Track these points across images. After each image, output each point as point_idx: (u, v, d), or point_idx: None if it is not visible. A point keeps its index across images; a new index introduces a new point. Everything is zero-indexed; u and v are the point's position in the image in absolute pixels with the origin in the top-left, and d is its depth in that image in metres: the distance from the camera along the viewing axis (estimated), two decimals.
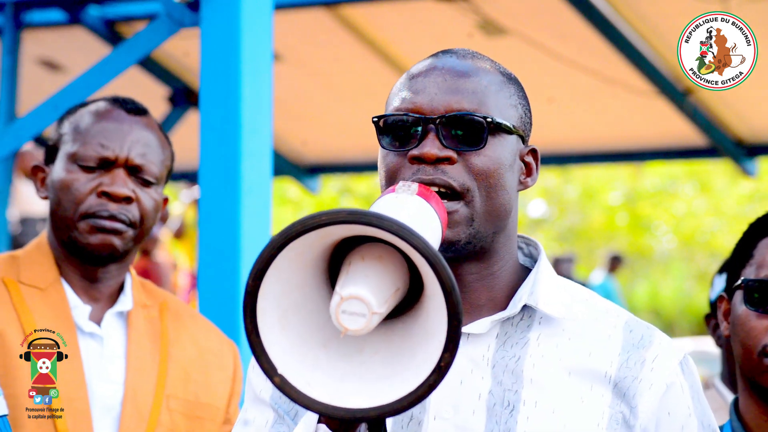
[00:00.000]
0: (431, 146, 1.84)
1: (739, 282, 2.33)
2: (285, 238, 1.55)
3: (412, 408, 1.58)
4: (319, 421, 1.69)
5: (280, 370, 1.58)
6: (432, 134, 1.85)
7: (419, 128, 1.85)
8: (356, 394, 1.59)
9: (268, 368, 1.58)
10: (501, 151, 1.88)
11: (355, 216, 1.53)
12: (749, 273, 2.33)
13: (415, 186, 1.77)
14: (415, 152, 1.84)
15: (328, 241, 1.61)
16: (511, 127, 1.88)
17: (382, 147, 1.89)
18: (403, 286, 1.64)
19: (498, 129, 1.87)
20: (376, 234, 1.55)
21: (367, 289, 1.56)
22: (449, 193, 1.84)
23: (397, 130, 1.87)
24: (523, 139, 1.93)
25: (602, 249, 18.95)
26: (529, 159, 1.95)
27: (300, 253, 1.58)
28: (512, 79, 1.94)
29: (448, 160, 1.84)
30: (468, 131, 1.85)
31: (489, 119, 1.85)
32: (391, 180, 1.87)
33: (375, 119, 1.90)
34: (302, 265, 1.61)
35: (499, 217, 1.88)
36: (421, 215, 1.71)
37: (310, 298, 1.65)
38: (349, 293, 1.55)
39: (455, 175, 1.84)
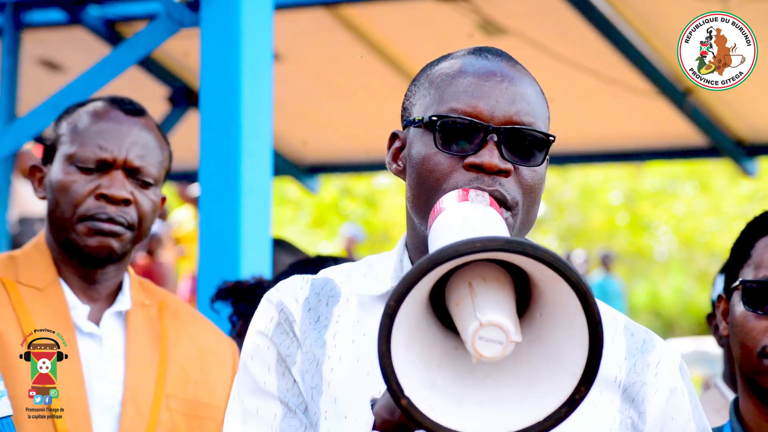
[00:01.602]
0: (492, 156, 1.81)
1: (738, 282, 2.33)
2: (434, 263, 1.52)
3: None
4: (374, 428, 1.66)
5: (406, 392, 1.55)
6: (491, 143, 1.82)
7: (479, 135, 1.83)
8: (476, 419, 1.56)
9: (396, 390, 1.55)
10: (545, 166, 1.89)
11: (513, 245, 1.51)
12: (747, 273, 2.33)
13: (487, 196, 1.76)
14: (475, 160, 1.81)
15: (455, 265, 1.58)
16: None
17: (434, 145, 1.85)
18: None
19: (549, 145, 1.87)
20: (523, 262, 1.53)
21: (505, 316, 1.53)
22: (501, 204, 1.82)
23: (453, 132, 1.84)
24: None
25: (599, 248, 18.96)
26: None
27: (432, 277, 1.55)
28: (540, 87, 1.95)
29: (506, 173, 1.82)
30: (528, 146, 1.85)
31: (551, 137, 1.86)
32: (437, 181, 1.83)
33: (434, 117, 1.85)
34: (427, 288, 1.58)
35: (528, 229, 1.88)
36: (506, 231, 1.70)
37: (425, 318, 1.62)
38: (489, 320, 1.52)
39: (509, 188, 1.82)
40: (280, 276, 3.31)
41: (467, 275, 1.58)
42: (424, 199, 1.85)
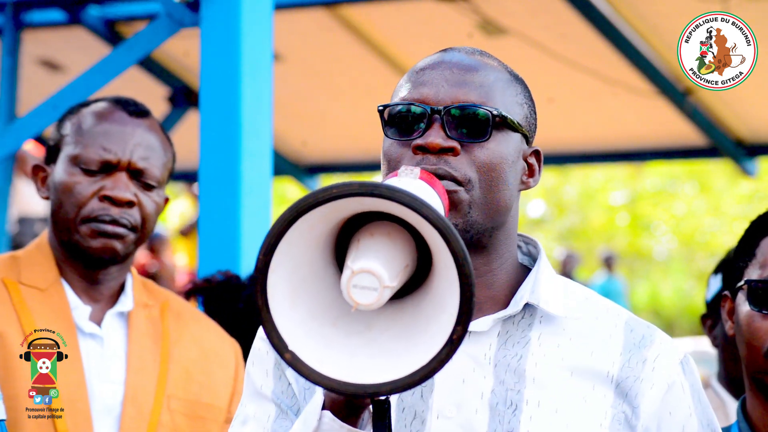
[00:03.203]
0: (435, 136, 1.83)
1: (742, 282, 2.31)
2: (296, 212, 1.55)
3: (423, 383, 1.57)
4: (323, 408, 1.69)
5: (291, 347, 1.57)
6: (437, 124, 1.84)
7: (424, 118, 1.85)
8: (368, 371, 1.58)
9: (278, 344, 1.57)
10: (505, 147, 1.88)
11: (367, 188, 1.53)
12: (752, 273, 2.30)
13: (418, 170, 1.76)
14: (419, 141, 1.84)
15: (337, 217, 1.60)
16: (516, 123, 1.89)
17: (387, 137, 1.89)
18: (411, 264, 1.64)
19: (503, 124, 1.87)
20: (387, 207, 1.55)
21: (378, 263, 1.55)
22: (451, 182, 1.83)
23: (402, 120, 1.87)
24: (527, 140, 1.93)
25: (600, 248, 18.97)
26: (532, 160, 1.95)
27: (310, 228, 1.58)
28: (519, 79, 1.95)
29: (452, 151, 1.84)
30: (473, 123, 1.85)
31: (495, 112, 1.85)
32: (392, 169, 1.87)
33: (380, 108, 1.90)
34: (311, 242, 1.60)
35: (498, 211, 1.87)
36: (424, 197, 1.70)
37: (318, 275, 1.64)
38: (360, 267, 1.54)
39: (458, 165, 1.84)
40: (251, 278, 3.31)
41: (361, 233, 1.62)
42: None
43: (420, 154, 1.84)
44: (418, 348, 1.58)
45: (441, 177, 1.82)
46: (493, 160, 1.86)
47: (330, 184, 1.54)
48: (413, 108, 1.86)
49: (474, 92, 1.87)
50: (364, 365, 1.59)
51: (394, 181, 1.73)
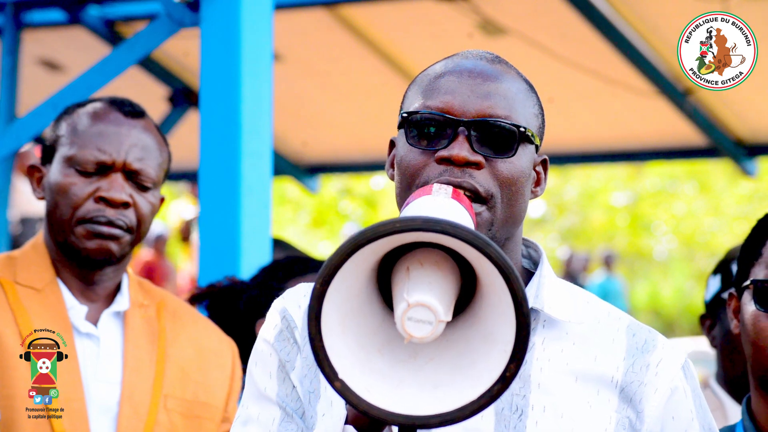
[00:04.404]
0: (461, 149, 1.83)
1: (749, 282, 2.31)
2: (356, 245, 1.54)
3: (472, 417, 1.57)
4: (346, 422, 1.69)
5: (340, 375, 1.57)
6: (462, 137, 1.84)
7: (449, 129, 1.84)
8: (414, 401, 1.58)
9: (329, 372, 1.57)
10: (525, 160, 1.88)
11: (430, 224, 1.53)
12: (758, 273, 2.30)
13: (450, 189, 1.77)
14: (444, 153, 1.83)
15: (388, 248, 1.60)
16: (534, 136, 1.89)
17: (407, 143, 1.88)
18: (457, 292, 1.64)
19: (526, 138, 1.87)
20: (447, 242, 1.55)
21: (434, 296, 1.55)
22: (473, 197, 1.83)
23: (426, 128, 1.86)
24: (537, 149, 1.94)
25: (599, 248, 18.97)
26: (540, 168, 1.96)
27: (363, 259, 1.58)
28: (533, 88, 1.95)
29: (477, 165, 1.83)
30: (499, 138, 1.85)
31: (522, 129, 1.86)
32: (411, 177, 1.86)
33: (404, 114, 1.88)
34: (362, 271, 1.60)
35: (514, 224, 1.88)
36: (462, 220, 1.71)
37: (366, 303, 1.64)
38: (417, 300, 1.54)
39: (482, 180, 1.83)
40: (251, 280, 3.32)
41: (408, 261, 1.61)
42: (402, 196, 1.88)
43: (444, 165, 1.83)
44: (466, 381, 1.58)
45: (464, 189, 1.82)
46: (514, 175, 1.86)
47: (392, 219, 1.54)
48: (438, 118, 1.85)
49: (499, 105, 1.86)
50: (410, 395, 1.58)
51: (429, 201, 1.73)
